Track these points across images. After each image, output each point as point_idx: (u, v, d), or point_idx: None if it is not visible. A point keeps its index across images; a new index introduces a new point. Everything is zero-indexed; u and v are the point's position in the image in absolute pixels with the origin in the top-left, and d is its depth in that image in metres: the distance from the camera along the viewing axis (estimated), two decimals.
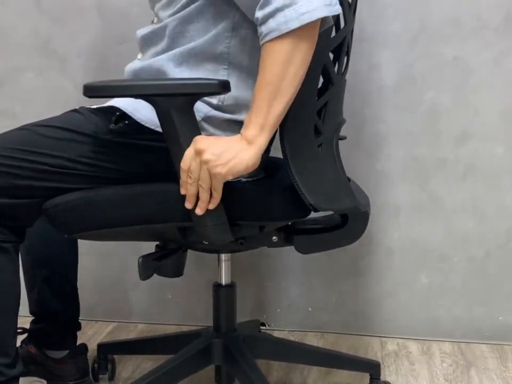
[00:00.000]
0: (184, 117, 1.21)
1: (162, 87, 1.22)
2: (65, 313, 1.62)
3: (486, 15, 1.84)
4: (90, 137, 1.31)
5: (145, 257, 1.36)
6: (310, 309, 2.05)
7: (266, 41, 1.18)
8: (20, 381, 1.37)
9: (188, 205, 1.24)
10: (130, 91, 1.24)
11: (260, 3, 1.18)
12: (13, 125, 1.36)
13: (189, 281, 2.04)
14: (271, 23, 1.16)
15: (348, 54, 1.41)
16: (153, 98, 1.21)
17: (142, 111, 1.30)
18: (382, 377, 1.68)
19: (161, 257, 1.40)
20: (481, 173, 1.91)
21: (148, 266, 1.36)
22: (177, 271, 1.45)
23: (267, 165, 1.40)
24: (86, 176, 1.31)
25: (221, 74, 1.32)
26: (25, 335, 1.63)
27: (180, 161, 1.22)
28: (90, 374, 1.68)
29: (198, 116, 1.28)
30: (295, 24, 1.15)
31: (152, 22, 1.40)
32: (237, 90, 1.31)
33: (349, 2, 1.33)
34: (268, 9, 1.17)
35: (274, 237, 1.42)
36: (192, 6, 1.30)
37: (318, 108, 1.31)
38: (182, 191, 1.24)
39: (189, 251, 1.48)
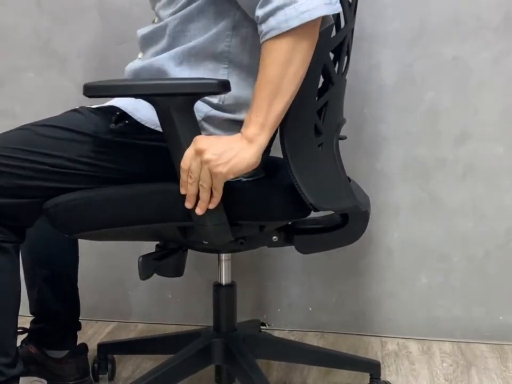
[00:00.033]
0: (184, 116, 1.21)
1: (162, 87, 1.22)
2: (65, 313, 1.62)
3: (485, 15, 1.84)
4: (91, 137, 1.31)
5: (145, 257, 1.36)
6: (310, 309, 2.06)
7: (267, 40, 1.18)
8: (20, 381, 1.37)
9: (188, 204, 1.24)
10: (130, 91, 1.24)
11: (261, 1, 1.18)
12: (13, 125, 1.36)
13: (189, 281, 2.04)
14: (272, 21, 1.17)
15: (348, 54, 1.41)
16: (153, 98, 1.21)
17: (142, 111, 1.30)
18: (382, 377, 1.68)
19: (161, 257, 1.40)
20: (481, 172, 1.91)
21: (148, 266, 1.36)
22: (177, 271, 1.45)
23: (267, 165, 1.40)
24: (86, 176, 1.31)
25: (221, 73, 1.32)
26: (25, 335, 1.63)
27: (179, 161, 1.22)
28: (91, 374, 1.68)
29: (198, 116, 1.28)
30: (295, 23, 1.15)
31: (153, 22, 1.40)
32: (238, 90, 1.31)
33: (349, 1, 1.34)
34: (268, 8, 1.17)
35: (274, 237, 1.42)
36: (193, 5, 1.30)
37: (318, 107, 1.31)
38: (182, 191, 1.24)
39: (189, 251, 1.48)
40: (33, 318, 1.63)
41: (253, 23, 1.27)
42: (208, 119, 1.31)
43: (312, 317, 2.05)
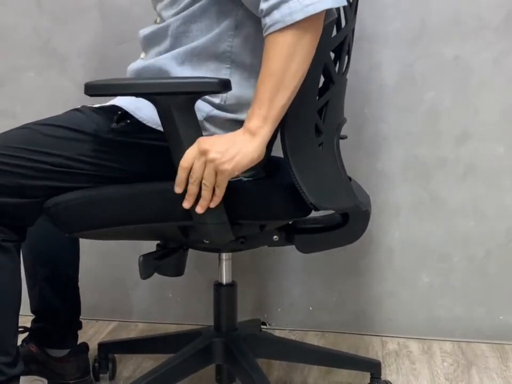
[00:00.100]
0: (185, 115, 1.21)
1: (163, 86, 1.22)
2: (66, 312, 1.62)
3: (486, 15, 1.84)
4: (92, 136, 1.31)
5: (146, 256, 1.36)
6: (310, 308, 2.06)
7: (270, 33, 1.18)
8: (20, 380, 1.37)
9: (186, 204, 1.23)
10: (131, 89, 1.24)
11: None
12: (13, 125, 1.36)
13: (190, 281, 2.04)
14: (276, 14, 1.17)
15: (348, 54, 1.41)
16: (154, 96, 1.21)
17: (144, 110, 1.30)
18: (383, 377, 1.68)
19: (162, 256, 1.40)
20: (481, 172, 1.92)
21: (149, 265, 1.36)
22: (178, 270, 1.45)
23: (268, 164, 1.40)
24: (88, 175, 1.31)
25: (223, 73, 1.32)
26: (26, 334, 1.63)
27: (179, 160, 1.21)
28: (91, 373, 1.68)
29: (200, 115, 1.28)
30: (299, 16, 1.15)
31: (155, 22, 1.40)
32: (240, 89, 1.31)
33: (350, 1, 1.34)
34: (272, 1, 1.17)
35: (275, 236, 1.42)
36: (196, 6, 1.30)
37: (318, 107, 1.31)
38: (177, 190, 1.23)
39: (190, 250, 1.49)
40: (34, 317, 1.63)
41: (255, 23, 1.28)
42: (209, 118, 1.31)
43: (313, 317, 2.05)
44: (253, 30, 1.31)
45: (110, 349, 1.76)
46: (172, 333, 1.96)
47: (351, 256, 2.00)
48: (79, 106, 1.40)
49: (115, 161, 1.32)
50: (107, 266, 2.11)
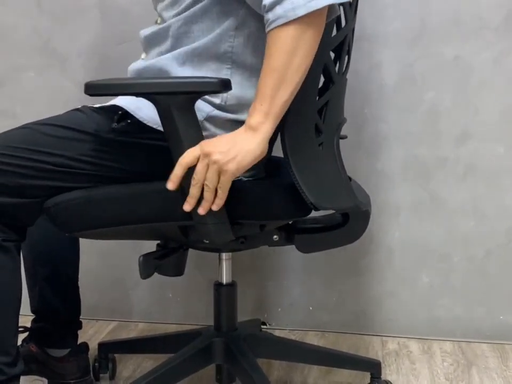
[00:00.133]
0: (185, 115, 1.21)
1: (163, 85, 1.22)
2: (66, 312, 1.62)
3: (486, 15, 1.84)
4: (93, 136, 1.31)
5: (146, 256, 1.36)
6: (310, 308, 2.06)
7: (273, 28, 1.17)
8: (21, 380, 1.37)
9: (188, 207, 1.22)
10: (131, 89, 1.24)
11: None
12: (13, 125, 1.36)
13: (190, 280, 2.04)
14: (278, 9, 1.16)
15: (348, 53, 1.41)
16: (154, 96, 1.21)
17: (145, 110, 1.30)
18: (383, 377, 1.68)
19: (162, 256, 1.40)
20: (481, 172, 1.92)
21: (149, 265, 1.36)
22: (178, 270, 1.45)
23: (268, 164, 1.41)
24: (89, 175, 1.31)
25: (224, 73, 1.32)
26: (26, 334, 1.63)
27: None
28: (91, 373, 1.68)
29: (200, 116, 1.28)
30: (302, 11, 1.15)
31: (156, 22, 1.40)
32: (241, 90, 1.31)
33: (350, 1, 1.34)
34: None
35: (275, 236, 1.42)
36: (197, 6, 1.30)
37: (318, 106, 1.31)
38: (169, 185, 1.21)
39: (190, 250, 1.49)
40: (34, 317, 1.64)
41: (256, 23, 1.28)
42: (210, 119, 1.31)
43: (313, 316, 2.06)
44: (254, 30, 1.31)
45: (110, 348, 1.76)
46: (172, 332, 1.96)
47: (351, 256, 2.00)
48: (79, 106, 1.40)
49: (116, 161, 1.32)
50: (107, 266, 2.11)
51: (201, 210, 1.22)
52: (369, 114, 1.93)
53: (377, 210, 1.92)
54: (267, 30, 1.19)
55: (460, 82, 1.88)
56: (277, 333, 2.00)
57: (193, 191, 1.21)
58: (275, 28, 1.17)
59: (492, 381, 1.75)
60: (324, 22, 1.20)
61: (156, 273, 1.38)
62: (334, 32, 1.30)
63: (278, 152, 1.34)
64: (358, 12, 1.44)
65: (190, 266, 1.51)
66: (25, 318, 1.53)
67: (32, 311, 1.63)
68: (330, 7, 1.20)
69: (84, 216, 1.31)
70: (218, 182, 1.20)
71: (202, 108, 1.29)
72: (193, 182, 1.20)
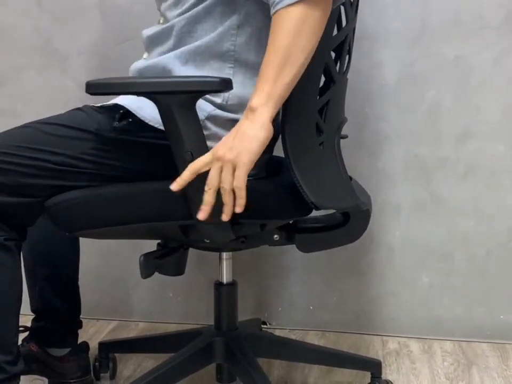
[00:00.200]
0: (186, 114, 1.21)
1: (163, 85, 1.22)
2: (66, 311, 1.62)
3: (487, 14, 1.84)
4: (94, 135, 1.31)
5: (147, 255, 1.36)
6: (311, 308, 2.06)
7: (278, 10, 1.16)
8: (21, 379, 1.37)
9: (202, 215, 1.20)
10: (131, 88, 1.24)
11: None
12: (14, 124, 1.36)
13: (190, 280, 2.04)
14: None
15: (349, 53, 1.41)
16: (154, 95, 1.21)
17: (146, 109, 1.30)
18: (383, 376, 1.68)
19: (162, 255, 1.40)
20: (482, 172, 1.92)
21: (149, 265, 1.36)
22: (178, 270, 1.45)
23: (269, 164, 1.41)
24: (90, 174, 1.31)
25: (226, 72, 1.32)
26: (26, 333, 1.63)
27: (181, 159, 1.21)
28: (92, 372, 1.68)
29: (202, 115, 1.28)
30: None
31: (159, 22, 1.40)
32: (243, 89, 1.31)
33: (350, 1, 1.34)
34: None
35: (275, 236, 1.42)
36: (200, 6, 1.30)
37: (319, 106, 1.31)
38: (174, 186, 1.19)
39: (190, 249, 1.49)
40: (34, 316, 1.64)
41: (258, 21, 1.28)
42: (211, 118, 1.31)
43: (313, 316, 2.06)
44: (256, 29, 1.31)
45: (110, 348, 1.76)
46: (173, 332, 1.96)
47: (352, 256, 2.00)
48: (80, 106, 1.40)
49: (117, 159, 1.32)
50: (107, 265, 2.11)
51: (225, 217, 1.20)
52: (370, 114, 1.93)
53: (378, 209, 1.92)
54: (273, 11, 1.17)
55: (460, 82, 1.88)
56: (277, 332, 2.00)
57: (208, 198, 1.19)
58: (281, 8, 1.16)
59: (492, 381, 1.75)
60: (331, 4, 1.18)
61: (156, 273, 1.38)
62: (335, 31, 1.30)
63: (278, 151, 1.34)
64: (358, 11, 1.44)
65: (190, 265, 1.51)
66: (26, 317, 1.53)
67: (32, 311, 1.63)
68: None
69: (84, 216, 1.31)
70: (233, 181, 1.17)
71: (203, 107, 1.29)
72: (206, 188, 1.18)
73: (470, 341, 1.97)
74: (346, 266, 2.01)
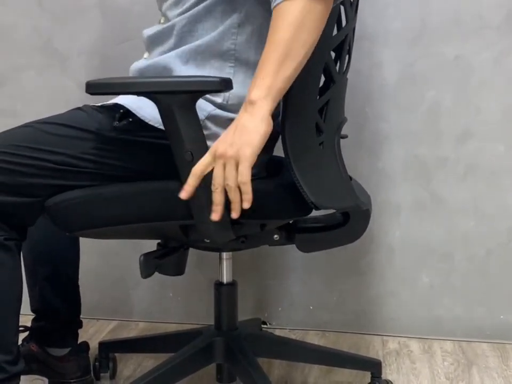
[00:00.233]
0: (186, 114, 1.21)
1: (163, 84, 1.22)
2: (66, 311, 1.62)
3: (487, 14, 1.84)
4: (94, 135, 1.31)
5: (147, 255, 1.36)
6: (311, 308, 2.06)
7: (280, 3, 1.15)
8: (21, 379, 1.37)
9: (216, 215, 1.18)
10: (132, 88, 1.24)
11: None
12: (14, 124, 1.36)
13: (190, 280, 2.04)
14: None
15: (349, 53, 1.41)
16: (155, 95, 1.21)
17: (146, 109, 1.30)
18: (383, 376, 1.68)
19: (162, 255, 1.40)
20: (482, 172, 1.92)
21: (149, 265, 1.36)
22: (178, 270, 1.45)
23: (269, 164, 1.41)
24: (91, 173, 1.31)
25: (227, 71, 1.32)
26: (26, 333, 1.63)
27: (181, 159, 1.21)
28: (92, 372, 1.68)
29: (202, 115, 1.28)
30: None
31: (159, 22, 1.40)
32: (243, 89, 1.30)
33: (350, 1, 1.34)
34: None
35: (275, 236, 1.42)
36: (201, 5, 1.30)
37: (319, 106, 1.31)
38: (183, 194, 1.18)
39: (191, 249, 1.49)
40: (34, 316, 1.64)
41: (259, 20, 1.27)
42: (211, 118, 1.31)
43: (313, 316, 2.06)
44: (257, 27, 1.31)
45: (110, 348, 1.76)
46: (173, 332, 1.96)
47: (352, 256, 2.00)
48: (81, 106, 1.40)
49: (118, 159, 1.32)
50: (108, 265, 2.11)
51: (234, 215, 1.18)
52: (370, 114, 1.93)
53: (378, 209, 1.92)
54: (274, 5, 1.17)
55: (460, 81, 1.88)
56: (277, 332, 2.00)
57: (217, 197, 1.17)
58: (282, 2, 1.15)
59: (492, 381, 1.75)
60: None
61: (156, 273, 1.38)
62: (335, 31, 1.30)
63: (278, 151, 1.34)
64: (358, 11, 1.44)
65: (190, 265, 1.51)
66: (26, 317, 1.53)
67: (32, 311, 1.63)
68: None
69: (84, 216, 1.31)
70: (237, 177, 1.16)
71: (203, 106, 1.29)
72: (213, 188, 1.17)
73: (470, 341, 1.97)
74: (346, 266, 2.01)
